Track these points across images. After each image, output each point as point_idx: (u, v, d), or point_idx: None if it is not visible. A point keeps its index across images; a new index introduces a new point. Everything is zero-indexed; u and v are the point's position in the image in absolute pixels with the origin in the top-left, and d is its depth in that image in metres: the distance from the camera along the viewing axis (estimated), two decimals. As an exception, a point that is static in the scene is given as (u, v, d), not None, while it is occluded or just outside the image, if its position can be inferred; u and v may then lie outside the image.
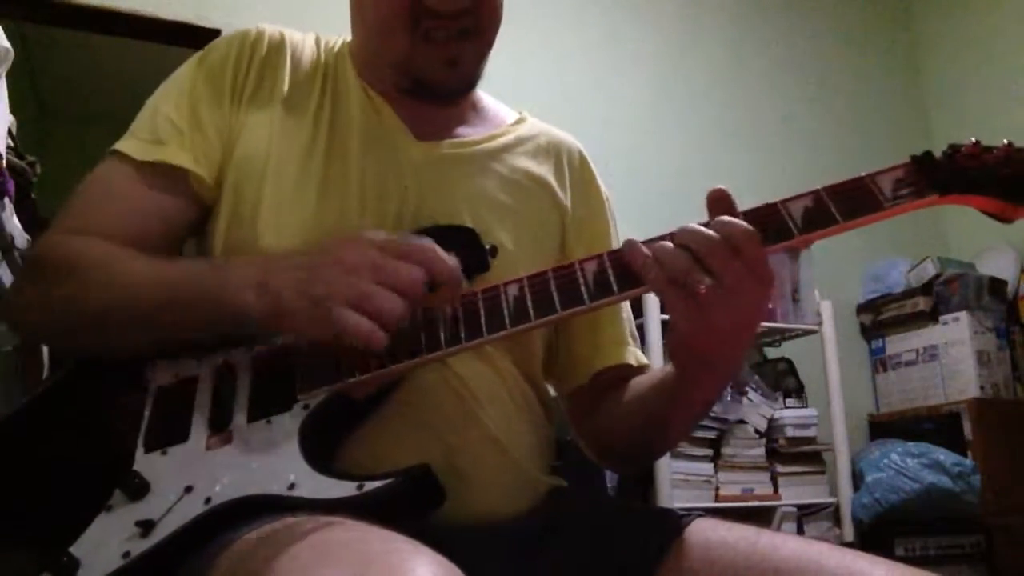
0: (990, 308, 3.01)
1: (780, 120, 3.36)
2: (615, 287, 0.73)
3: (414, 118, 0.94)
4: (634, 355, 0.99)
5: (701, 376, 0.81)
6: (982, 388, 2.88)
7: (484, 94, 1.05)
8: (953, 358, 2.95)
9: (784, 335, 2.79)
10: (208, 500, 0.70)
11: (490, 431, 0.84)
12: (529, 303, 0.73)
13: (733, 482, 2.49)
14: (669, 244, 0.70)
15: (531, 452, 0.89)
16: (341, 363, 0.74)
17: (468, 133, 0.98)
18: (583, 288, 0.73)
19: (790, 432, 2.56)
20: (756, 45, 3.41)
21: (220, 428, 0.75)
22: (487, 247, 0.83)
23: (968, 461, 2.67)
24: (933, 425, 2.89)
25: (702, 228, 0.70)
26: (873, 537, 2.59)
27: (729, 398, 2.53)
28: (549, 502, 0.88)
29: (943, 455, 2.63)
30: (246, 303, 0.73)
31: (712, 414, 2.46)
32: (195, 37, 2.56)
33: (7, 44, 1.25)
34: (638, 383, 0.93)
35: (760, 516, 2.48)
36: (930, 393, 2.99)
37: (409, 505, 0.68)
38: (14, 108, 1.32)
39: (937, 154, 0.73)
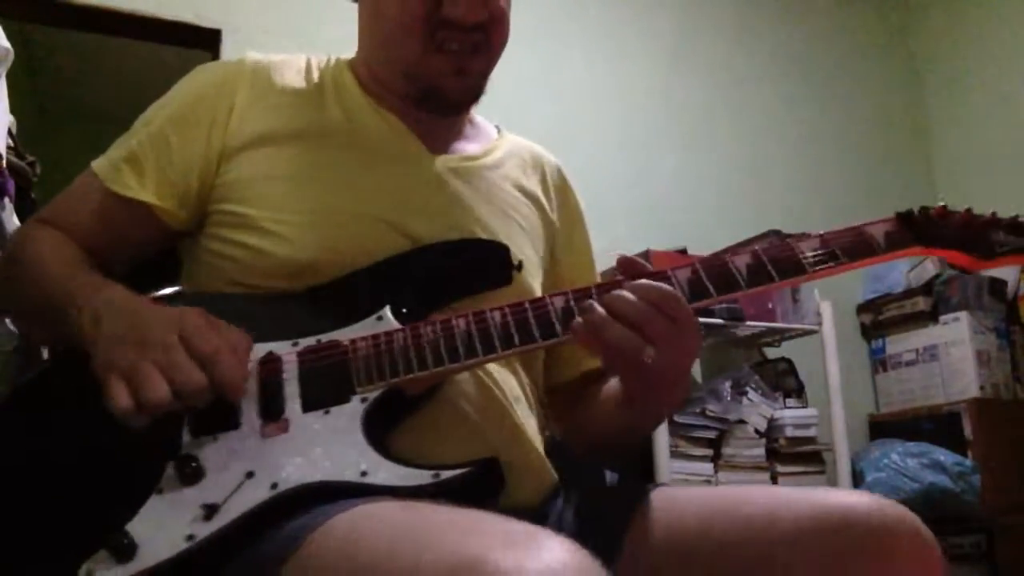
0: (990, 308, 3.00)
1: (780, 129, 3.35)
2: None
3: (422, 130, 0.97)
4: None
5: (648, 409, 0.89)
6: (982, 388, 2.88)
7: None
8: (953, 358, 2.94)
9: (784, 335, 2.79)
10: (274, 485, 0.70)
11: (519, 427, 0.88)
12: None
13: (733, 482, 2.47)
14: (605, 315, 0.75)
15: (542, 447, 0.92)
16: (398, 361, 0.78)
17: (468, 147, 1.02)
18: None
19: (790, 432, 2.56)
20: (753, 55, 3.40)
21: (274, 417, 0.76)
22: (516, 263, 0.88)
23: (968, 461, 2.67)
24: (933, 425, 2.89)
25: (631, 298, 0.75)
26: (873, 537, 2.59)
27: (729, 398, 2.53)
28: (553, 493, 0.91)
29: (943, 455, 2.63)
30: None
31: (712, 414, 2.46)
32: (195, 37, 2.57)
33: (7, 44, 1.24)
34: (610, 387, 0.97)
35: (760, 516, 2.47)
36: (930, 393, 2.99)
37: (476, 494, 0.70)
38: (14, 108, 1.32)
39: (915, 213, 0.85)
